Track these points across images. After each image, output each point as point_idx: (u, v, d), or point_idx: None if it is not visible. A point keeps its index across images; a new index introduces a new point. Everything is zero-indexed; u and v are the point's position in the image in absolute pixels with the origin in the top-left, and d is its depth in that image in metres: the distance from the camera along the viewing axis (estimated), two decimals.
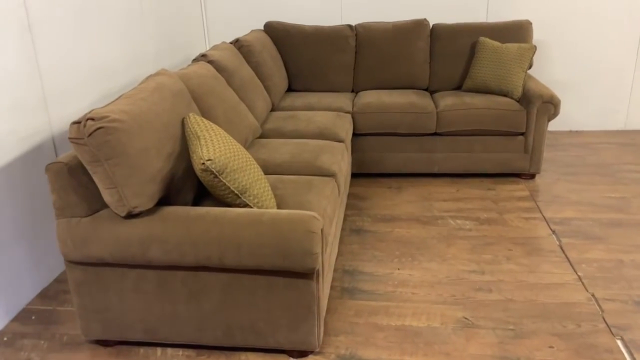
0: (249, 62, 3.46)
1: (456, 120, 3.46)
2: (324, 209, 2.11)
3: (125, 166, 1.72)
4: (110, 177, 1.72)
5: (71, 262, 1.91)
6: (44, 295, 2.44)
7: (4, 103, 2.14)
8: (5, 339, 2.15)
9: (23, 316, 2.29)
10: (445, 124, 3.48)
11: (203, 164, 1.76)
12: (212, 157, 1.77)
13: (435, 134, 3.56)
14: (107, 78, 2.89)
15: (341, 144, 2.93)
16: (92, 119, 1.68)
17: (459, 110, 3.46)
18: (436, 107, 3.56)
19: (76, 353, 2.05)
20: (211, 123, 2.05)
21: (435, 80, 3.96)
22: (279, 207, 2.06)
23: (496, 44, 3.69)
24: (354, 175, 3.76)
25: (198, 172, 1.78)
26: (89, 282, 1.94)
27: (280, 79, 3.74)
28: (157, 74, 2.22)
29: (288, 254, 1.73)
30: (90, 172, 1.75)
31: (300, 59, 4.00)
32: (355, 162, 3.66)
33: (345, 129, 3.18)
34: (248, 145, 2.79)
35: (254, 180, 1.92)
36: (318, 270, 1.83)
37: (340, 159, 2.68)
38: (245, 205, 1.90)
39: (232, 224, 1.76)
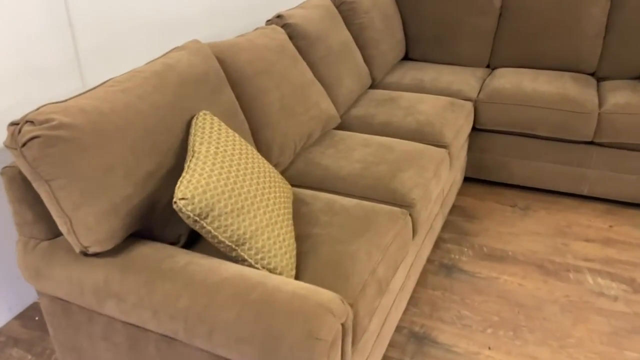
0: (349, 24, 2.74)
1: (627, 128, 2.42)
2: (371, 272, 1.43)
3: (73, 190, 1.21)
4: (56, 203, 1.23)
5: None
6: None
7: (28, 67, 1.74)
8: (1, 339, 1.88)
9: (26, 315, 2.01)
10: (609, 131, 2.46)
11: (175, 203, 1.19)
12: (188, 195, 1.18)
13: (591, 142, 2.55)
14: (177, 35, 2.38)
15: (442, 150, 2.14)
16: (32, 122, 1.18)
17: (634, 114, 2.41)
18: (600, 104, 2.53)
19: None
20: (227, 130, 1.44)
21: (608, 63, 2.86)
22: (301, 260, 1.42)
23: None
24: (467, 180, 2.92)
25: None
26: (58, 315, 1.53)
27: (391, 46, 2.95)
28: (181, 47, 1.65)
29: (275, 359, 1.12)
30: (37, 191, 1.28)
31: (423, 18, 3.15)
32: (470, 165, 2.82)
33: (455, 128, 2.35)
34: (314, 141, 2.14)
35: (263, 225, 1.30)
36: None
37: (429, 179, 1.92)
38: (244, 261, 1.30)
39: (209, 295, 1.18)
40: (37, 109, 1.22)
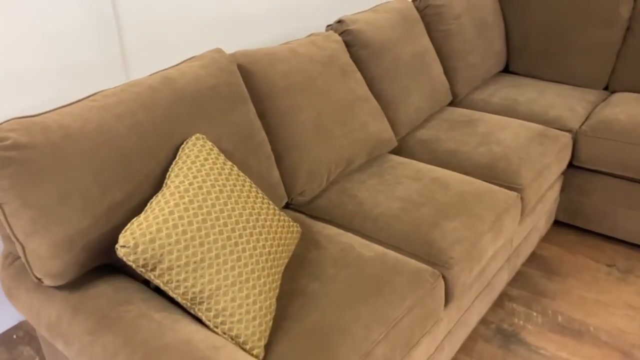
0: (432, 30, 2.39)
1: None
2: (364, 354, 1.15)
3: (25, 218, 1.08)
4: (9, 228, 1.12)
5: None
6: None
7: (69, 63, 1.69)
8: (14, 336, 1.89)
9: None
10: None
11: (117, 249, 1.01)
12: (131, 243, 1.00)
13: None
14: (239, 34, 2.23)
15: (513, 195, 1.75)
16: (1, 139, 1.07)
17: None
18: None
19: None
20: (218, 159, 1.24)
21: None
22: (281, 325, 1.17)
23: None
24: (557, 224, 2.44)
25: None
26: (44, 337, 1.45)
27: (483, 58, 2.55)
28: (197, 57, 1.48)
29: None
30: None
31: (531, 26, 2.68)
32: (563, 207, 2.34)
33: (538, 166, 1.93)
34: (359, 166, 1.87)
35: (227, 284, 1.08)
36: None
37: (482, 233, 1.56)
38: (201, 321, 1.09)
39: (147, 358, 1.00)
40: (4, 122, 1.11)
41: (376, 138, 1.87)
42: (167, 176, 1.18)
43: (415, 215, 1.58)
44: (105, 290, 1.17)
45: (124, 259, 1.00)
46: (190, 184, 1.13)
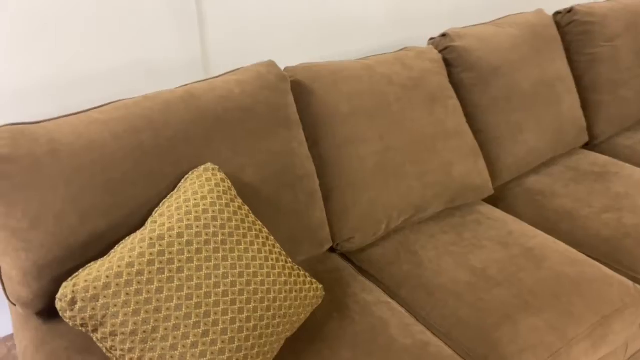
0: (575, 54, 1.91)
1: None
2: None
3: (3, 233, 0.98)
4: None
5: None
6: None
7: (146, 58, 1.61)
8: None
9: None
10: None
11: (56, 301, 0.85)
12: (68, 297, 0.83)
13: None
14: (341, 36, 1.98)
15: (633, 288, 1.28)
16: None
17: None
18: None
19: None
20: (226, 197, 1.03)
21: None
22: None
23: None
24: None
25: None
26: None
27: None
28: (241, 71, 1.27)
29: None
30: None
31: None
32: None
33: None
34: (435, 215, 1.52)
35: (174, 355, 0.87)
36: None
37: (573, 341, 1.14)
38: None
39: None
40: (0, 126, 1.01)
41: (461, 183, 1.51)
42: (153, 212, 1.00)
43: (484, 298, 1.22)
44: (74, 330, 1.03)
45: (61, 314, 0.84)
46: (170, 229, 0.93)
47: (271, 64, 1.28)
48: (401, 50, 1.61)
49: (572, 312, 1.20)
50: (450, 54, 1.64)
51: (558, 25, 1.94)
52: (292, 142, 1.26)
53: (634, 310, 1.28)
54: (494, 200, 1.69)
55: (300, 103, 1.35)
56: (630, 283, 1.32)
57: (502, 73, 1.66)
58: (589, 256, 1.44)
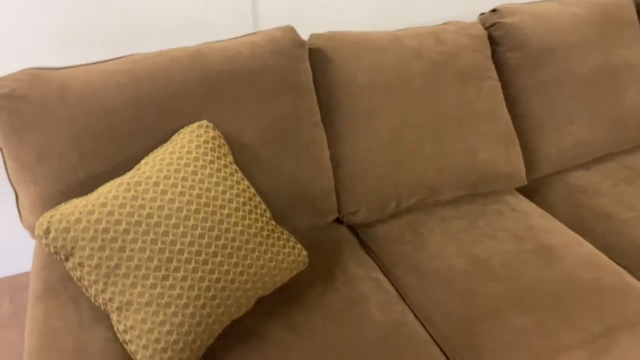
0: None
1: None
2: None
3: (12, 167, 1.10)
4: (6, 170, 1.15)
5: None
6: None
7: (195, 22, 1.69)
8: None
9: None
10: None
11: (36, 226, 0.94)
12: (44, 226, 0.92)
13: None
14: (396, 15, 1.92)
15: None
16: (1, 86, 1.09)
17: None
18: None
19: None
20: (213, 154, 1.07)
21: None
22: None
23: None
24: None
25: None
26: None
27: None
28: (259, 33, 1.29)
29: None
30: None
31: None
32: None
33: None
34: (454, 200, 1.45)
35: (142, 302, 0.92)
36: None
37: (560, 350, 1.05)
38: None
39: None
40: (21, 70, 1.12)
41: (486, 169, 1.42)
42: (141, 161, 1.06)
43: (477, 289, 1.16)
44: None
45: (37, 240, 0.93)
46: (149, 177, 0.99)
47: (288, 29, 1.29)
48: (443, 23, 1.53)
49: (570, 317, 1.11)
50: (496, 30, 1.53)
51: (638, 5, 1.72)
52: (299, 109, 1.26)
53: None
54: (529, 192, 1.57)
55: (317, 71, 1.34)
56: None
57: (555, 55, 1.52)
58: (617, 263, 1.31)
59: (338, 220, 1.43)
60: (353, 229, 1.44)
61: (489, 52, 1.51)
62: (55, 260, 1.13)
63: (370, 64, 1.34)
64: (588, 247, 1.30)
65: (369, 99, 1.34)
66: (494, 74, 1.49)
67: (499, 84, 1.50)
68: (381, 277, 1.24)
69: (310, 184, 1.30)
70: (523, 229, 1.34)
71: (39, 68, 1.13)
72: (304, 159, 1.28)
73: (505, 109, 1.49)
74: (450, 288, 1.18)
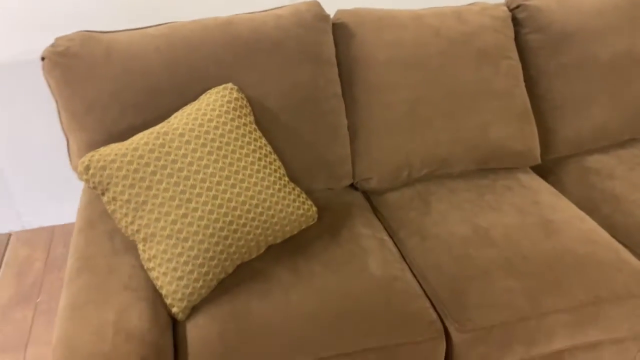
0: None
1: None
2: None
3: (64, 116, 1.26)
4: (59, 118, 1.31)
5: None
6: None
7: None
8: None
9: None
10: None
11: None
12: (86, 163, 1.07)
13: None
14: None
15: None
16: (57, 45, 1.25)
17: None
18: None
19: None
20: (234, 113, 1.20)
21: None
22: (217, 295, 1.11)
23: None
24: None
25: None
26: None
27: None
28: (288, 7, 1.39)
29: None
30: None
31: None
32: None
33: None
34: (461, 172, 1.52)
35: (164, 234, 1.06)
36: None
37: (547, 313, 1.12)
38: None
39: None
40: (74, 32, 1.28)
41: (497, 146, 1.48)
42: (172, 115, 1.20)
43: (472, 254, 1.24)
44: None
45: (79, 176, 1.09)
46: (176, 128, 1.13)
47: (313, 3, 1.39)
48: (469, 4, 1.59)
49: (559, 285, 1.17)
50: (521, 12, 1.57)
51: None
52: (319, 79, 1.37)
53: None
54: (544, 172, 1.62)
55: (340, 45, 1.44)
56: None
57: (578, 39, 1.55)
58: (620, 242, 1.34)
59: (353, 187, 1.53)
60: (367, 196, 1.53)
61: (511, 33, 1.55)
62: (96, 201, 1.30)
63: (390, 40, 1.43)
64: (590, 224, 1.34)
65: (385, 73, 1.42)
66: (514, 54, 1.54)
67: (519, 65, 1.54)
68: (386, 237, 1.33)
69: (327, 150, 1.41)
70: (529, 203, 1.40)
71: (89, 31, 1.29)
72: (322, 125, 1.39)
73: (524, 89, 1.54)
74: (447, 251, 1.26)
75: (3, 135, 1.90)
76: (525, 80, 1.57)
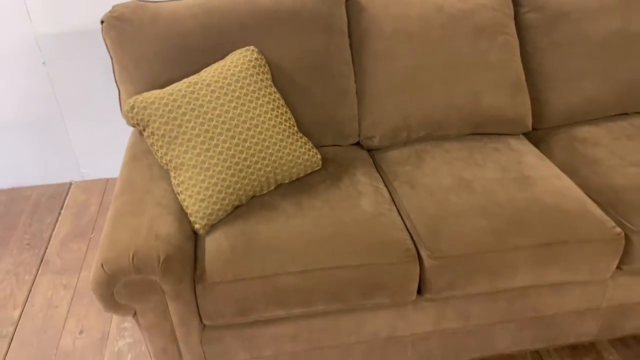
0: None
1: None
2: None
3: (117, 70, 1.53)
4: (113, 73, 1.59)
5: None
6: None
7: None
8: None
9: None
10: None
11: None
12: (131, 104, 1.33)
13: None
14: None
15: (616, 232, 1.35)
16: (114, 11, 1.52)
17: None
18: None
19: None
20: (254, 70, 1.43)
21: None
22: (231, 219, 1.35)
23: None
24: None
25: None
26: None
27: None
28: None
29: None
30: None
31: None
32: None
33: None
34: (457, 136, 1.69)
35: (190, 164, 1.32)
36: None
37: (509, 249, 1.30)
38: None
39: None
40: (129, 0, 1.55)
41: (489, 113, 1.65)
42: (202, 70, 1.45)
43: (451, 199, 1.42)
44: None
45: (123, 114, 1.35)
46: (204, 79, 1.37)
47: None
48: None
49: (525, 227, 1.34)
50: None
51: None
52: (330, 46, 1.58)
53: (603, 249, 1.35)
54: (536, 140, 1.77)
55: (353, 18, 1.65)
56: (612, 224, 1.37)
57: (571, 19, 1.69)
58: (592, 199, 1.49)
59: (360, 146, 1.74)
60: (371, 154, 1.74)
61: (510, 11, 1.71)
62: (139, 143, 1.57)
63: (396, 15, 1.62)
64: (566, 182, 1.50)
65: (390, 44, 1.62)
66: (511, 30, 1.70)
67: (515, 40, 1.70)
68: (381, 186, 1.54)
69: (336, 110, 1.62)
70: (512, 163, 1.57)
71: (141, 0, 1.56)
72: (332, 88, 1.60)
73: (519, 63, 1.70)
74: (431, 197, 1.45)
75: (70, 98, 2.22)
76: (522, 56, 1.73)
